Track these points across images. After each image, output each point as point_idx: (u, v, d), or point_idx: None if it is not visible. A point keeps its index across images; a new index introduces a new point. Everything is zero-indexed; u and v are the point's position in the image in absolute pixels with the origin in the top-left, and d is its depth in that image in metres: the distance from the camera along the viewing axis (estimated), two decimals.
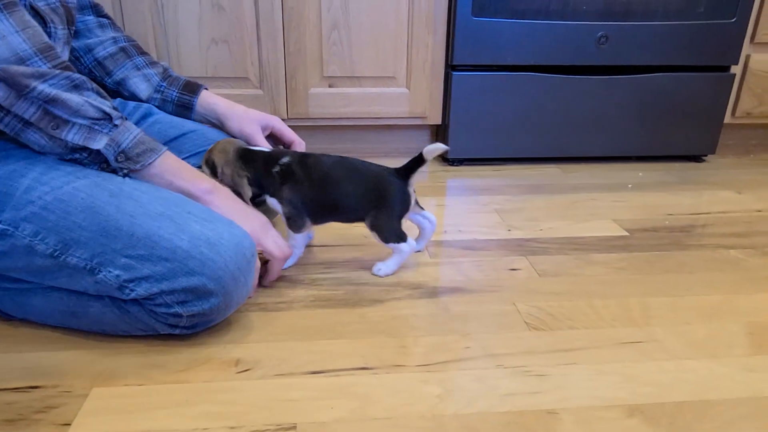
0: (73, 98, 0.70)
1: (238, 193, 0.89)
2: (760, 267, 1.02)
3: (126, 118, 0.75)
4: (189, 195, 0.78)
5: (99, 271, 0.70)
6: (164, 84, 1.02)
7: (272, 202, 0.92)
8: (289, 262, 0.97)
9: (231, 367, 0.73)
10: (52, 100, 0.69)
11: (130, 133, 0.75)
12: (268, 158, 0.91)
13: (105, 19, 0.99)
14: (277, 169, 0.90)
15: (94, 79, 1.00)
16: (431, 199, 1.33)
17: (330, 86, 1.46)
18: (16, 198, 0.70)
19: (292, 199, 0.90)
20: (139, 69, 1.00)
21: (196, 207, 0.75)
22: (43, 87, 0.68)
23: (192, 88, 1.03)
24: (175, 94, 1.02)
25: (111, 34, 0.99)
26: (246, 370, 0.72)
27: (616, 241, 1.12)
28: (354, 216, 0.92)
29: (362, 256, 1.03)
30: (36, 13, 0.76)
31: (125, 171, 0.75)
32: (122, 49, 0.99)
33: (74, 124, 0.71)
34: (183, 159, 0.92)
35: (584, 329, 0.82)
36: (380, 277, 0.96)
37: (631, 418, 0.65)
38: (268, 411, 0.66)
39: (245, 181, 0.90)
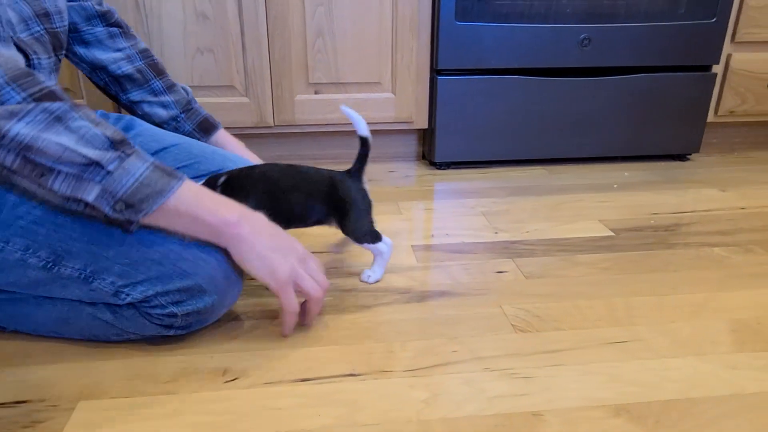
0: (52, 144, 0.61)
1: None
2: (744, 264, 1.04)
3: (132, 153, 0.65)
4: (213, 230, 0.70)
5: (93, 279, 0.71)
6: (182, 115, 1.04)
7: None
8: None
9: (218, 377, 0.73)
10: (28, 147, 0.60)
11: (131, 177, 0.64)
12: (208, 183, 0.87)
13: (115, 28, 0.98)
14: (218, 190, 0.86)
15: (108, 93, 1.02)
16: (419, 202, 1.33)
17: (316, 93, 1.46)
18: (3, 214, 0.70)
19: None
20: (156, 95, 1.02)
21: None
22: (17, 129, 0.59)
23: (207, 127, 1.06)
24: (188, 128, 1.05)
25: (123, 45, 0.99)
26: (233, 380, 0.72)
27: (601, 242, 1.13)
28: (312, 221, 0.91)
29: (349, 263, 1.03)
30: (17, 48, 0.75)
31: (129, 222, 0.66)
32: (138, 71, 0.99)
33: (59, 172, 0.62)
34: None
35: (570, 330, 0.83)
36: (370, 284, 0.96)
37: (616, 418, 0.66)
38: (256, 420, 0.66)
39: None
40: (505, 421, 0.66)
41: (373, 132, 1.58)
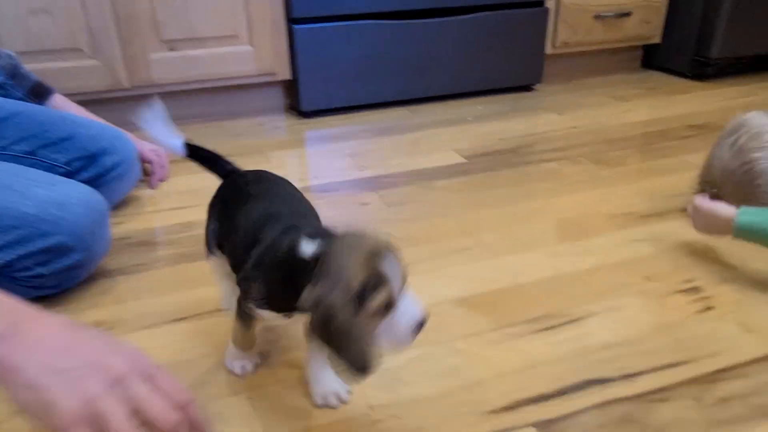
0: None
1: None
2: (573, 174, 1.20)
3: None
4: None
5: None
6: (10, 82, 0.98)
7: None
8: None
9: None
10: None
11: None
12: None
13: None
14: None
15: None
16: (290, 151, 1.37)
17: (171, 50, 1.43)
18: None
19: None
20: None
21: (36, 174, 0.77)
22: None
23: (40, 92, 1.01)
24: (19, 95, 0.99)
25: None
26: (108, 330, 0.74)
27: (455, 168, 1.24)
28: None
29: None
30: None
31: None
32: None
33: None
34: (6, 145, 0.89)
35: (424, 245, 0.93)
36: None
37: (459, 308, 0.77)
38: None
39: None
40: None
41: (237, 87, 1.57)
